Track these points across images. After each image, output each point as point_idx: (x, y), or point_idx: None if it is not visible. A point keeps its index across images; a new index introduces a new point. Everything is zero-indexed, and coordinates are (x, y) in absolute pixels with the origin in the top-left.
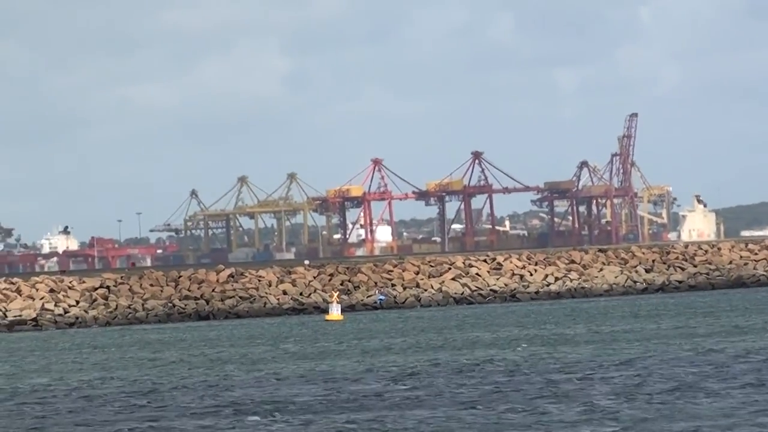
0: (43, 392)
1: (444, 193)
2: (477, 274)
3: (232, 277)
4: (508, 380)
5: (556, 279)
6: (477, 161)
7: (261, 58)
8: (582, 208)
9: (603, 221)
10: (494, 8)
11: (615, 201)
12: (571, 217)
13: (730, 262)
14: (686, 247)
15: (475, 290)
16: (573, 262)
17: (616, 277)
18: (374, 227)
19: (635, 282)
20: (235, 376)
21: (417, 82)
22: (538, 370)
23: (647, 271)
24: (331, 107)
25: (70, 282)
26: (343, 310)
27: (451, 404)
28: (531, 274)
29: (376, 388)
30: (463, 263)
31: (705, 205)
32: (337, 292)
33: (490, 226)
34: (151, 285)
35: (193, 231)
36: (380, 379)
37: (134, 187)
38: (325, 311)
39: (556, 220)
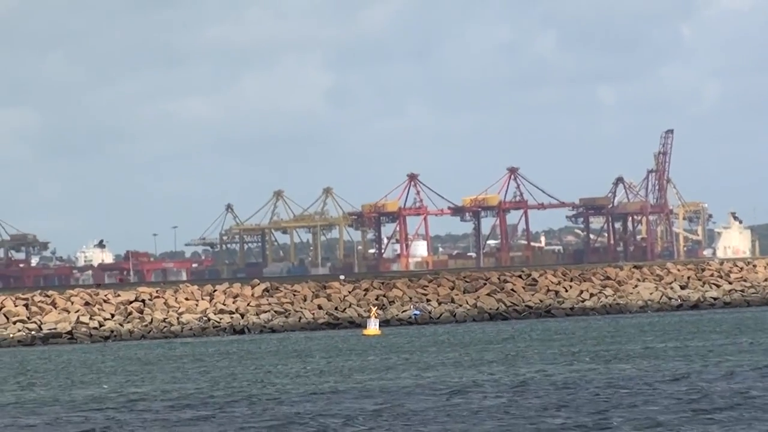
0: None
1: (480, 209)
2: (512, 289)
3: (267, 291)
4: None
5: (591, 295)
6: (513, 177)
7: (304, 73)
8: (617, 225)
9: (638, 238)
10: (537, 25)
11: (650, 217)
12: (606, 234)
13: (765, 280)
14: (721, 264)
15: (510, 306)
16: (608, 278)
17: (651, 294)
18: (410, 242)
19: (670, 298)
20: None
21: (458, 99)
22: None
23: (682, 287)
24: (372, 123)
25: (105, 295)
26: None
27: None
28: (566, 290)
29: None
30: (498, 279)
31: (740, 222)
32: (375, 307)
33: (526, 242)
34: (186, 299)
35: (229, 245)
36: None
37: (171, 201)
38: (360, 326)
39: (591, 236)
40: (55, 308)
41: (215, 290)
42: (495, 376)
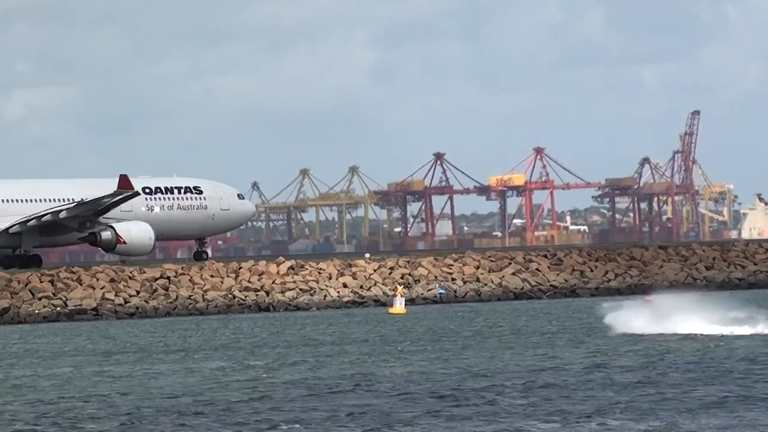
0: None
1: (505, 188)
2: (537, 269)
3: (293, 269)
4: None
5: (617, 275)
6: (539, 157)
7: (348, 50)
8: (643, 205)
9: (664, 218)
10: (587, 4)
11: (676, 198)
12: (632, 214)
13: None
14: (747, 245)
15: (535, 285)
16: (633, 258)
17: (676, 274)
18: (435, 221)
19: (695, 279)
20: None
21: (502, 78)
22: None
23: (707, 268)
24: (411, 102)
25: (131, 272)
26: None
27: None
28: (591, 270)
29: None
30: (524, 258)
31: (766, 204)
32: (401, 286)
33: (551, 222)
34: (212, 276)
35: (255, 223)
36: None
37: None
38: (385, 304)
39: (617, 216)
40: (81, 285)
41: (240, 267)
42: None
